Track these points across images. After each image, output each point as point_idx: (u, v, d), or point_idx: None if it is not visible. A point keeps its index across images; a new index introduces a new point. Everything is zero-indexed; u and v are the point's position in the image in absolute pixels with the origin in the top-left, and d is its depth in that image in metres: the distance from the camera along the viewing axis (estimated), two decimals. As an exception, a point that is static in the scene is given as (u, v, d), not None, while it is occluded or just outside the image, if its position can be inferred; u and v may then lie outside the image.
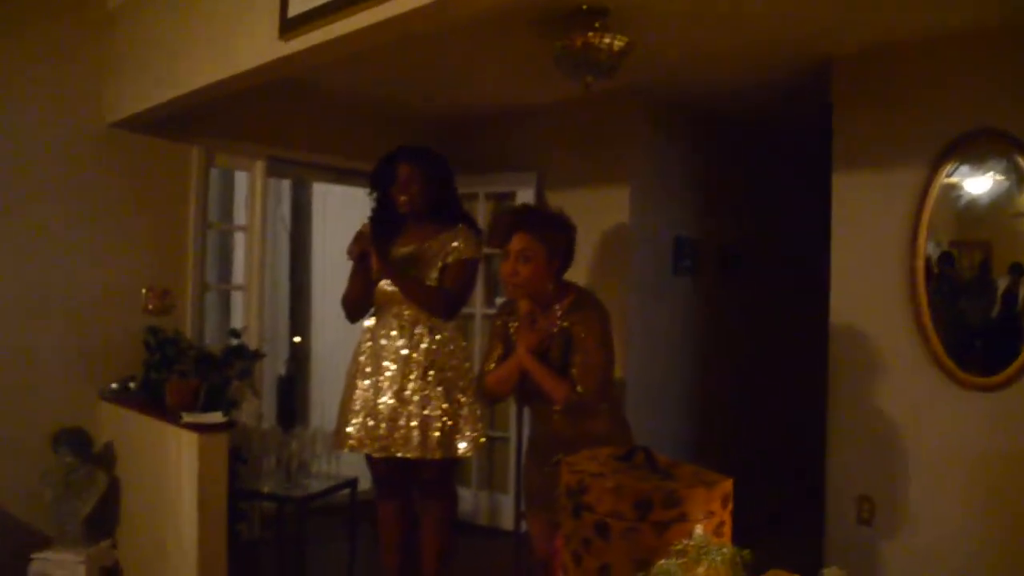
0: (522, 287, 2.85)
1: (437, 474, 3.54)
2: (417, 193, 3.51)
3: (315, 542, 4.63)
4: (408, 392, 3.44)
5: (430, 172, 3.54)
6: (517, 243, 2.83)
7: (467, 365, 3.59)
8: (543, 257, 2.82)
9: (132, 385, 4.03)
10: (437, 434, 3.41)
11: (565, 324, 2.84)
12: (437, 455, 3.41)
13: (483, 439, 3.59)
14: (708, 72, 4.38)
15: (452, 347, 3.53)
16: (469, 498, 5.36)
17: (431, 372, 3.46)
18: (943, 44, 3.60)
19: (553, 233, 2.86)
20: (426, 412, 3.42)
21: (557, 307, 2.88)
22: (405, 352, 3.47)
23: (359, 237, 3.44)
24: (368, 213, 3.74)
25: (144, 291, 4.27)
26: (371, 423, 3.46)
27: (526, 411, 3.26)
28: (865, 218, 3.88)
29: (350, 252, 3.43)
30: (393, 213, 3.59)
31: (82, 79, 4.03)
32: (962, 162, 3.56)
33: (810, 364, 4.59)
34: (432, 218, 3.56)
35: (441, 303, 3.46)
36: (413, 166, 3.53)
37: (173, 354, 4.12)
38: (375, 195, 3.68)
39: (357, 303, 3.62)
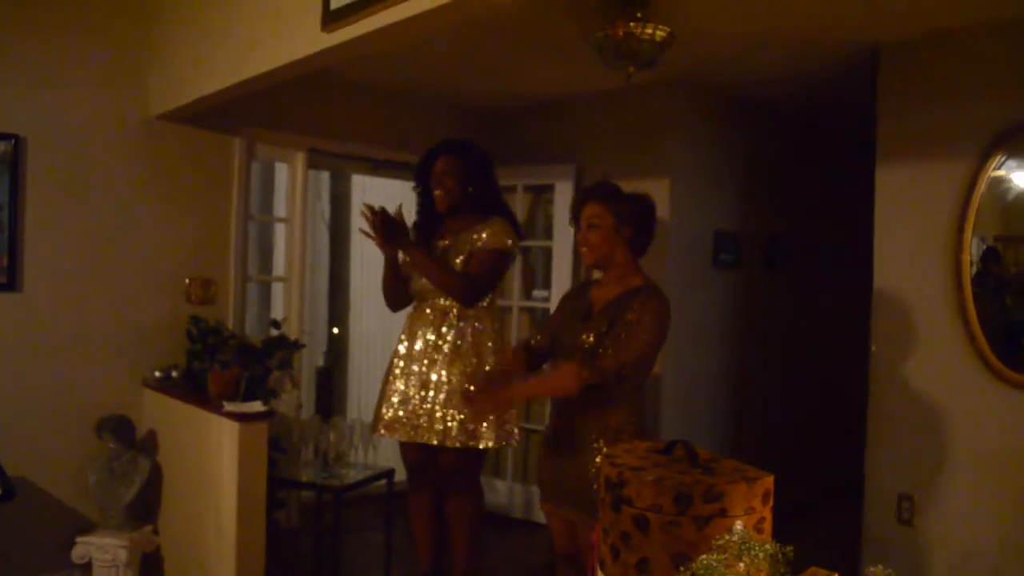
0: (590, 253, 2.87)
1: (458, 464, 3.54)
2: (451, 187, 3.54)
3: (352, 532, 4.68)
4: (435, 380, 3.47)
5: (464, 165, 3.56)
6: (587, 211, 2.87)
7: (497, 360, 3.59)
8: (610, 224, 2.84)
9: (175, 374, 4.08)
10: (457, 423, 3.43)
11: (621, 304, 2.81)
12: (456, 443, 3.43)
13: (505, 439, 3.55)
14: (751, 62, 4.33)
15: (482, 338, 3.54)
16: (504, 491, 5.38)
17: (458, 362, 3.47)
18: (992, 33, 3.53)
19: (620, 202, 2.87)
20: (452, 401, 3.44)
21: (626, 284, 2.86)
22: (434, 342, 3.50)
23: (376, 216, 3.46)
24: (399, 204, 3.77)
25: (187, 281, 4.32)
26: (401, 411, 3.51)
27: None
28: (909, 211, 3.82)
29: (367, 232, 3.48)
30: (434, 209, 3.61)
31: (128, 71, 4.08)
32: (1010, 155, 3.49)
33: (852, 359, 4.54)
34: (469, 211, 3.57)
35: (460, 287, 3.45)
36: (448, 159, 3.55)
37: (215, 344, 4.17)
38: (419, 190, 3.71)
39: (390, 291, 3.69)
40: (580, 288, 3.08)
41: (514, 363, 3.07)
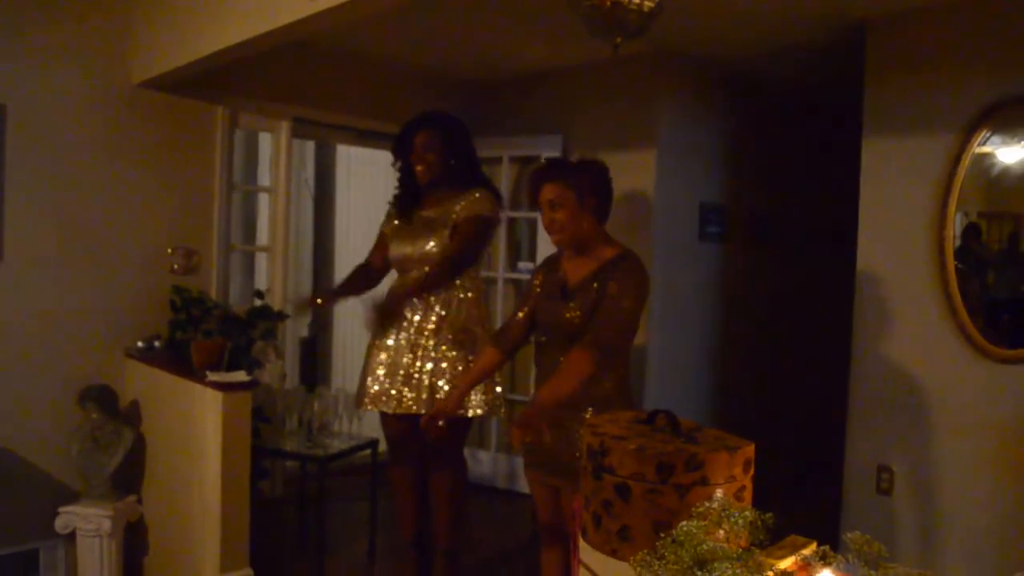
0: (560, 233, 2.85)
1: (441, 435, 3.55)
2: (433, 161, 3.53)
3: (336, 501, 4.70)
4: (421, 352, 3.48)
5: (444, 139, 3.55)
6: (545, 194, 2.85)
7: (483, 327, 3.60)
8: (573, 200, 2.82)
9: (158, 344, 4.07)
10: (443, 392, 3.43)
11: (602, 276, 2.81)
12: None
13: (489, 406, 3.55)
14: (739, 34, 4.32)
15: (466, 309, 3.55)
16: (487, 461, 5.40)
17: (443, 333, 3.49)
18: (978, 8, 3.53)
19: (577, 175, 2.86)
20: (436, 371, 3.46)
21: (600, 255, 2.86)
22: (420, 314, 3.50)
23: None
24: (391, 181, 3.77)
25: (170, 251, 4.30)
26: (386, 384, 3.52)
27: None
28: (894, 186, 3.83)
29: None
30: (415, 182, 3.61)
31: (109, 38, 4.02)
32: (994, 131, 3.50)
33: (837, 332, 4.57)
34: (450, 183, 3.57)
35: (446, 273, 3.49)
36: (428, 133, 3.54)
37: (198, 314, 4.15)
38: (398, 165, 3.69)
39: (362, 291, 3.76)
40: (553, 262, 3.05)
41: (490, 360, 3.12)
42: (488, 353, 3.13)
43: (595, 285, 2.78)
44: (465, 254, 3.53)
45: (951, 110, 3.60)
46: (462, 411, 3.44)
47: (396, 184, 3.73)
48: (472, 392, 3.44)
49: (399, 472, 3.74)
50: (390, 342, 3.55)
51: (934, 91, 3.68)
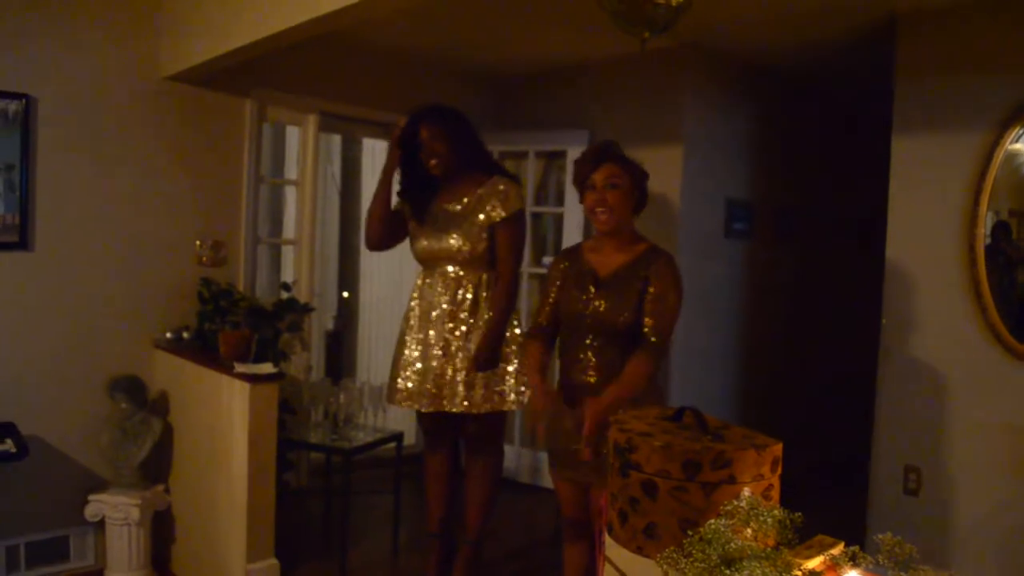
0: (610, 214, 2.79)
1: (482, 428, 3.58)
2: (444, 153, 3.50)
3: (360, 494, 4.72)
4: (454, 348, 3.47)
5: (451, 130, 3.52)
6: (604, 171, 2.80)
7: (514, 320, 3.60)
8: (629, 186, 2.80)
9: (186, 335, 4.10)
10: (482, 389, 3.46)
11: (639, 271, 2.80)
12: (483, 409, 3.46)
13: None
14: (768, 29, 4.29)
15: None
16: (511, 456, 5.40)
17: (476, 328, 3.48)
18: (1011, 3, 3.48)
19: (632, 164, 2.85)
20: (468, 367, 3.46)
21: (632, 248, 2.85)
22: (451, 309, 3.50)
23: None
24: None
25: (198, 243, 4.33)
26: (420, 379, 3.52)
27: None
28: (924, 183, 3.79)
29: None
30: (423, 175, 3.59)
31: (139, 32, 4.04)
32: (1027, 127, 3.45)
33: (863, 331, 4.54)
34: (465, 173, 3.55)
35: (511, 292, 3.53)
36: (433, 127, 3.51)
37: (226, 305, 4.18)
38: (402, 166, 3.65)
39: (378, 222, 3.67)
40: (573, 253, 3.02)
41: (538, 353, 3.00)
42: (533, 348, 3.01)
43: (631, 280, 2.77)
44: (517, 260, 3.57)
45: (983, 106, 3.56)
46: (500, 406, 3.51)
47: (399, 181, 3.68)
48: (504, 389, 3.50)
49: (432, 459, 3.77)
50: (420, 337, 3.56)
51: (965, 86, 3.64)
